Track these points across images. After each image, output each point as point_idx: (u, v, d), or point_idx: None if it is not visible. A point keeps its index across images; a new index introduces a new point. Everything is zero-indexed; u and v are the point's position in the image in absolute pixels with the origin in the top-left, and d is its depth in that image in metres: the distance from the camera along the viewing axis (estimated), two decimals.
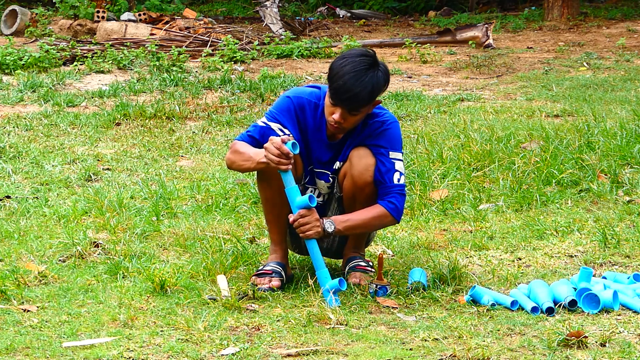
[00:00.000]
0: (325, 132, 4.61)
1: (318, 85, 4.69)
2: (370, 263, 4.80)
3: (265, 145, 4.40)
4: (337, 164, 4.65)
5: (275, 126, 4.58)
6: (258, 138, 4.57)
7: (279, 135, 4.49)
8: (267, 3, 15.36)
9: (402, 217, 5.80)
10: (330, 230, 4.47)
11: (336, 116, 4.47)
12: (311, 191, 4.72)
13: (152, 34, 13.65)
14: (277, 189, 4.57)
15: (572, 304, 4.29)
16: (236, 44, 12.69)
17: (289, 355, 3.88)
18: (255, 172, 4.66)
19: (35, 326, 4.17)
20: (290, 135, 4.53)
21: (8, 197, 6.30)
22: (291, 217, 4.46)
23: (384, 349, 3.93)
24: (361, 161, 4.56)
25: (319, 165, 4.66)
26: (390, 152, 4.57)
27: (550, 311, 4.26)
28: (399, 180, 4.55)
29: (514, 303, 4.32)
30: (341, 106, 4.45)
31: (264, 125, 4.59)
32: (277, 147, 4.35)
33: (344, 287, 4.38)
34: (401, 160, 4.59)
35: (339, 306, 4.33)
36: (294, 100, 4.61)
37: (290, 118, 4.59)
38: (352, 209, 4.62)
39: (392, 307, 4.38)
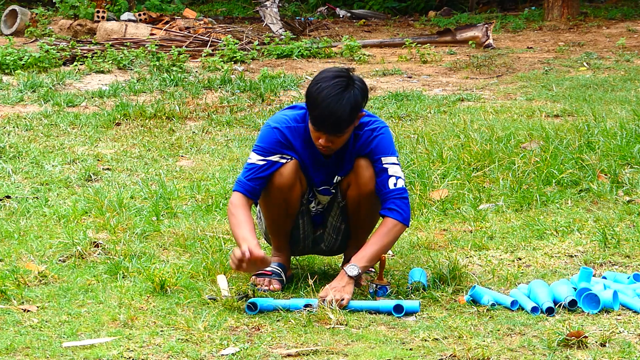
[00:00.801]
0: (318, 152, 4.59)
1: (297, 105, 4.65)
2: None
3: (236, 257, 4.30)
4: (337, 178, 4.64)
5: (275, 158, 4.54)
6: (260, 181, 4.52)
7: (282, 164, 4.50)
8: (267, 3, 15.36)
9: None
10: (355, 273, 4.41)
11: (322, 141, 4.46)
12: (312, 207, 4.72)
13: (152, 34, 13.65)
14: (283, 210, 4.57)
15: (572, 304, 4.29)
16: (236, 44, 12.69)
17: (289, 355, 3.88)
18: (261, 196, 4.64)
19: (35, 326, 4.17)
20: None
21: (8, 197, 6.30)
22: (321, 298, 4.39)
23: (384, 349, 3.93)
24: (365, 172, 4.56)
25: (321, 184, 4.66)
26: (382, 159, 4.55)
27: (550, 311, 4.25)
28: (395, 184, 4.53)
29: (514, 303, 4.32)
30: (324, 132, 4.44)
31: (264, 162, 4.53)
32: (238, 261, 4.30)
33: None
34: (396, 163, 4.56)
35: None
36: (282, 130, 4.55)
37: (281, 147, 4.55)
38: (357, 215, 4.64)
39: None
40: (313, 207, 4.72)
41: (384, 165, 4.54)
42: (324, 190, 4.67)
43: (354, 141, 4.57)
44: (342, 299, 4.34)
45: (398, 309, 4.31)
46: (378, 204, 4.58)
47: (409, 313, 4.30)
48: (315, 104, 4.39)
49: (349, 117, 4.39)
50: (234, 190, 4.56)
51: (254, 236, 4.40)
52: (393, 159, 4.56)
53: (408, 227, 4.60)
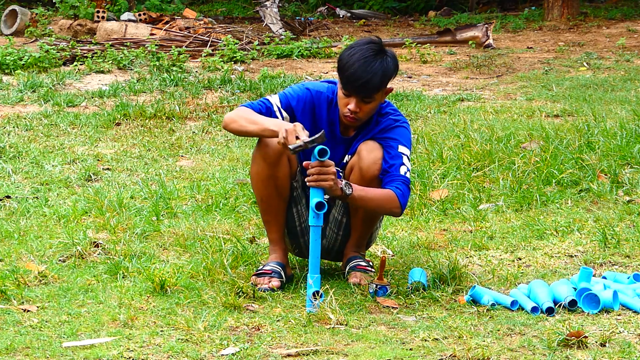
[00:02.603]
0: (339, 127, 4.62)
1: (334, 80, 4.70)
2: (371, 263, 4.80)
3: (287, 128, 4.31)
4: (346, 158, 4.67)
5: (275, 101, 4.58)
6: (258, 108, 4.56)
7: (272, 109, 4.55)
8: (267, 3, 15.36)
9: (403, 216, 5.82)
10: (348, 192, 4.40)
11: (352, 106, 4.49)
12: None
13: (152, 34, 13.65)
14: (273, 188, 4.59)
15: (572, 304, 4.29)
16: (236, 44, 12.69)
17: (289, 355, 3.88)
18: (250, 173, 4.65)
19: (35, 326, 4.17)
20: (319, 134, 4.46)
21: (8, 197, 6.30)
22: (307, 163, 4.37)
23: (384, 349, 3.93)
24: (370, 155, 4.57)
25: (337, 161, 4.66)
26: (399, 146, 4.58)
27: (550, 311, 4.26)
28: (405, 173, 4.55)
29: (513, 303, 4.32)
30: (355, 95, 4.48)
31: (275, 106, 4.57)
32: (290, 138, 4.30)
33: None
34: (409, 157, 4.60)
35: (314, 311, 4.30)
36: (313, 94, 4.61)
37: (304, 109, 4.59)
38: None
39: (392, 307, 4.38)
40: None
41: (400, 152, 4.58)
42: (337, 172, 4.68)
43: (374, 125, 4.61)
44: (322, 180, 4.30)
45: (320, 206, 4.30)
46: None
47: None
48: (348, 66, 4.45)
49: (380, 80, 4.45)
50: (242, 106, 4.57)
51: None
52: (408, 152, 4.60)
53: (402, 209, 4.54)
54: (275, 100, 4.61)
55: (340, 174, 4.67)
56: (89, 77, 11.19)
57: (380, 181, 4.56)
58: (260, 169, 4.59)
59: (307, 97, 4.61)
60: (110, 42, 12.80)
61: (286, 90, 4.65)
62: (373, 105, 4.53)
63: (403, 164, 4.56)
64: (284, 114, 4.58)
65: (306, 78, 11.06)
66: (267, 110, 4.57)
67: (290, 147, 4.29)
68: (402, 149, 4.58)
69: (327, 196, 4.42)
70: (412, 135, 4.66)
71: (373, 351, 3.91)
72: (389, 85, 4.56)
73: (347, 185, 4.41)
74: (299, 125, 4.34)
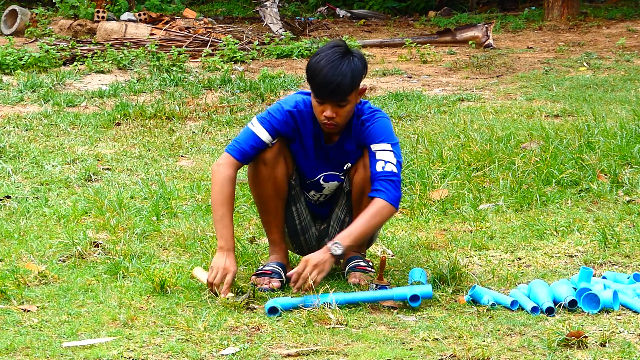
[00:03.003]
0: (323, 137, 4.62)
1: (307, 92, 4.68)
2: (371, 263, 4.80)
3: (217, 273, 4.42)
4: (347, 165, 4.67)
5: (266, 137, 4.55)
6: (250, 152, 4.55)
7: (267, 146, 4.54)
8: (267, 3, 15.36)
9: (403, 216, 5.81)
10: (339, 252, 4.40)
11: (327, 113, 4.48)
12: (312, 195, 4.74)
13: (152, 34, 13.65)
14: (271, 188, 4.59)
15: (572, 304, 4.29)
16: (236, 44, 12.69)
17: (289, 355, 3.88)
18: (247, 175, 4.68)
19: (35, 326, 4.17)
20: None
21: (8, 197, 6.30)
22: (292, 277, 4.43)
23: (384, 349, 3.93)
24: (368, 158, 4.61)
25: (326, 168, 4.67)
26: (371, 146, 4.56)
27: (550, 311, 4.25)
28: (383, 167, 4.51)
29: (513, 303, 4.32)
30: (328, 100, 4.47)
31: (267, 141, 4.55)
32: (215, 284, 4.42)
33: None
34: (387, 150, 4.53)
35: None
36: (295, 114, 4.58)
37: (292, 131, 4.59)
38: (360, 202, 4.63)
39: (392, 307, 4.38)
40: (313, 196, 4.73)
41: (372, 151, 4.55)
42: (329, 177, 4.69)
43: (354, 130, 4.60)
44: (318, 274, 4.35)
45: (414, 298, 4.31)
46: None
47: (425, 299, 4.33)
48: (316, 73, 4.44)
49: (350, 81, 4.43)
50: (229, 154, 4.55)
51: (232, 235, 4.48)
52: (384, 146, 4.54)
53: (397, 209, 4.53)
54: (263, 134, 4.55)
55: (341, 178, 4.70)
56: (89, 77, 11.19)
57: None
58: (257, 171, 4.60)
59: (290, 120, 4.58)
60: (110, 42, 12.80)
61: (268, 117, 4.58)
62: (349, 108, 4.51)
63: (378, 160, 4.52)
64: (274, 141, 4.58)
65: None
66: (258, 146, 4.55)
67: (224, 297, 4.40)
68: (375, 147, 4.54)
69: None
70: (387, 124, 4.61)
71: (373, 351, 3.91)
72: (361, 85, 4.55)
73: (335, 246, 4.40)
74: (229, 276, 4.41)
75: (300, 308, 4.28)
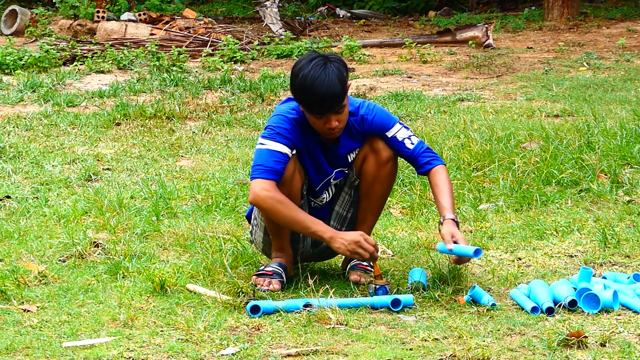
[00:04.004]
0: (321, 139, 4.64)
1: (290, 98, 4.68)
2: (371, 262, 4.79)
3: (360, 243, 4.43)
4: (350, 156, 4.70)
5: (285, 150, 4.52)
6: (278, 168, 4.49)
7: (289, 159, 4.51)
8: (267, 3, 15.36)
9: (403, 216, 5.83)
10: (457, 220, 4.58)
11: (331, 124, 4.51)
12: (320, 200, 4.74)
13: (152, 34, 13.65)
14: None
15: (572, 304, 4.29)
16: (236, 44, 12.69)
17: (289, 355, 3.88)
18: (259, 198, 4.54)
19: (35, 326, 4.17)
20: None
21: (8, 197, 6.30)
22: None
23: (384, 349, 3.93)
24: (379, 141, 4.67)
25: (334, 168, 4.68)
26: (387, 133, 4.66)
27: (550, 311, 4.25)
28: (412, 143, 4.66)
29: (475, 251, 4.42)
30: (328, 113, 4.47)
31: (276, 152, 4.50)
32: (370, 252, 4.46)
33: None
34: (400, 128, 4.67)
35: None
36: (300, 120, 4.58)
37: (301, 138, 4.59)
38: (370, 189, 4.67)
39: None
40: (324, 198, 4.74)
41: (392, 137, 4.66)
42: (338, 174, 4.72)
43: (353, 126, 4.64)
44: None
45: (395, 303, 4.32)
46: (393, 173, 4.70)
47: (406, 307, 4.33)
48: (307, 92, 4.44)
49: (340, 88, 4.46)
50: (264, 178, 4.46)
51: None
52: (396, 127, 4.68)
53: (446, 165, 4.74)
54: (281, 147, 4.50)
55: (346, 172, 4.73)
56: (89, 77, 11.19)
57: (394, 163, 4.68)
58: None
59: (297, 128, 4.58)
60: (110, 42, 12.80)
61: (276, 130, 4.54)
62: (347, 109, 4.56)
63: (402, 139, 4.67)
64: (293, 152, 4.57)
65: None
66: (283, 160, 4.51)
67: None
68: (390, 132, 4.66)
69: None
70: (383, 108, 4.75)
71: (373, 351, 3.91)
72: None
73: (452, 216, 4.57)
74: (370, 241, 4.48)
75: (280, 311, 4.29)
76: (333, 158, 4.68)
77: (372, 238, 4.51)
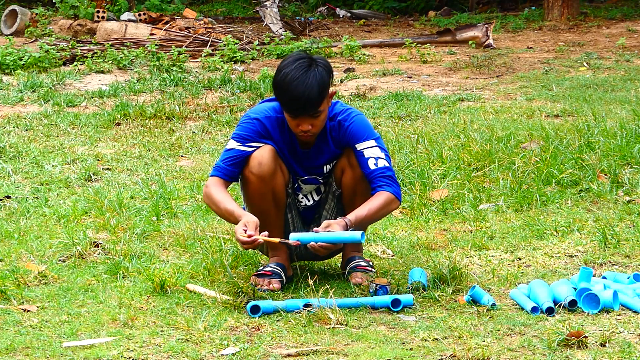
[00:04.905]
0: (297, 143, 4.62)
1: (272, 98, 4.68)
2: (371, 263, 4.80)
3: (236, 235, 4.36)
4: (326, 168, 4.67)
5: (254, 144, 4.55)
6: (231, 169, 4.56)
7: (249, 153, 4.52)
8: (267, 3, 15.36)
9: (403, 216, 5.81)
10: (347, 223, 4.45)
11: (304, 127, 4.50)
12: (301, 197, 4.74)
13: (152, 34, 13.65)
14: (270, 200, 4.58)
15: (572, 304, 4.29)
16: (236, 44, 12.69)
17: (289, 355, 3.88)
18: (245, 192, 4.64)
19: (35, 326, 4.17)
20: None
21: (8, 197, 6.30)
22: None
23: (384, 349, 3.93)
24: (353, 158, 4.60)
25: (306, 173, 4.67)
26: (356, 146, 4.58)
27: (550, 311, 4.25)
28: (375, 164, 4.54)
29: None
30: (301, 116, 4.46)
31: (243, 149, 4.55)
32: (245, 241, 4.35)
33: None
34: (372, 146, 4.57)
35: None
36: (261, 120, 4.58)
37: (260, 138, 4.58)
38: (352, 202, 4.63)
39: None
40: (302, 200, 4.73)
41: (359, 150, 4.57)
42: (310, 180, 4.69)
43: (330, 132, 4.61)
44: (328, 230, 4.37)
45: (395, 303, 4.32)
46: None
47: (406, 307, 4.33)
48: (284, 90, 4.45)
49: (318, 93, 4.43)
50: (211, 176, 4.60)
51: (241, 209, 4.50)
52: (368, 143, 4.58)
53: (400, 202, 4.57)
54: (235, 144, 4.56)
55: (320, 180, 4.70)
56: (89, 77, 11.19)
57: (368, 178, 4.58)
58: (256, 186, 4.57)
59: (259, 127, 4.58)
60: (110, 42, 12.80)
61: (239, 131, 4.59)
62: (323, 116, 4.53)
63: (368, 158, 4.55)
64: (253, 144, 4.58)
65: None
66: (239, 157, 4.54)
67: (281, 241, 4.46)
68: (360, 146, 4.57)
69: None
70: (365, 120, 4.64)
71: (373, 351, 3.91)
72: (330, 89, 4.55)
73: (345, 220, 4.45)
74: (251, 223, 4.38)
75: (280, 311, 4.29)
76: (304, 163, 4.66)
77: (253, 227, 4.35)
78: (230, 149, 4.59)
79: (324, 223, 4.44)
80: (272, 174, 4.55)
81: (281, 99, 4.48)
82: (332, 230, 4.37)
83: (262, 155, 4.54)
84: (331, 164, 4.67)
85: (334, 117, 4.61)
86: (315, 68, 4.46)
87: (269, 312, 4.29)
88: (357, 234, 4.29)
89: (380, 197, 4.51)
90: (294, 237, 4.40)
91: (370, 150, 4.56)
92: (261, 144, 4.56)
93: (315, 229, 4.42)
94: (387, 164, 4.55)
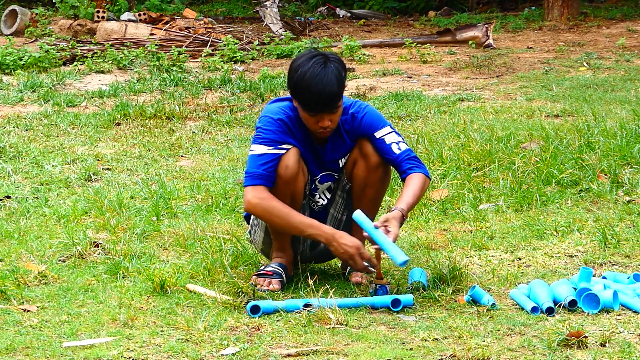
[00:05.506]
0: (313, 140, 4.63)
1: (280, 98, 4.69)
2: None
3: (354, 258, 4.43)
4: (341, 162, 4.68)
5: (275, 150, 4.52)
6: (267, 173, 4.50)
7: (276, 157, 4.50)
8: (267, 3, 15.36)
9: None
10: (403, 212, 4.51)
11: (324, 123, 4.51)
12: (318, 197, 4.73)
13: (152, 34, 13.65)
14: (287, 202, 4.56)
15: (572, 304, 4.29)
16: (236, 44, 12.69)
17: (289, 355, 3.88)
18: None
19: (35, 326, 4.17)
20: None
21: (8, 197, 6.30)
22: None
23: (384, 349, 3.93)
24: (369, 145, 4.63)
25: (322, 170, 4.67)
26: (375, 134, 4.62)
27: (550, 311, 4.25)
28: (399, 148, 4.60)
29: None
30: (322, 112, 4.47)
31: (276, 152, 4.52)
32: (359, 268, 4.46)
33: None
34: (390, 132, 4.63)
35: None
36: (284, 120, 4.57)
37: (287, 137, 4.56)
38: (362, 194, 4.65)
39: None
40: (319, 200, 4.73)
41: (379, 138, 4.62)
42: (324, 177, 4.69)
43: (343, 125, 4.63)
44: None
45: (395, 303, 4.32)
46: (384, 180, 4.66)
47: (406, 307, 4.33)
48: (304, 88, 4.45)
49: (338, 88, 4.47)
50: (253, 185, 4.50)
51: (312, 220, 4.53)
52: (385, 129, 4.63)
53: (430, 180, 4.64)
54: (270, 150, 4.52)
55: (335, 177, 4.71)
56: (89, 77, 11.19)
57: (384, 170, 4.63)
58: (280, 188, 4.54)
59: (285, 127, 4.56)
60: (110, 42, 12.80)
61: (267, 135, 4.54)
62: (340, 111, 4.56)
63: (390, 143, 4.61)
64: (284, 146, 4.56)
65: None
66: (273, 161, 4.51)
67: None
68: (379, 133, 4.62)
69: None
70: (375, 110, 4.71)
71: (373, 351, 3.91)
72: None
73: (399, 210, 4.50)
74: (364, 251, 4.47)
75: (280, 311, 4.29)
76: (322, 160, 4.66)
77: (367, 252, 4.47)
78: (262, 154, 4.52)
79: (382, 217, 4.46)
80: (295, 176, 4.55)
81: (302, 97, 4.48)
82: (389, 225, 4.42)
83: (289, 157, 4.53)
84: (345, 157, 4.69)
85: (345, 110, 4.64)
86: (331, 63, 4.48)
87: (269, 312, 4.29)
88: (400, 258, 4.34)
89: (417, 180, 4.57)
90: (358, 219, 4.46)
91: (390, 136, 4.62)
92: (290, 145, 4.55)
93: (375, 223, 4.44)
94: (408, 147, 4.64)
